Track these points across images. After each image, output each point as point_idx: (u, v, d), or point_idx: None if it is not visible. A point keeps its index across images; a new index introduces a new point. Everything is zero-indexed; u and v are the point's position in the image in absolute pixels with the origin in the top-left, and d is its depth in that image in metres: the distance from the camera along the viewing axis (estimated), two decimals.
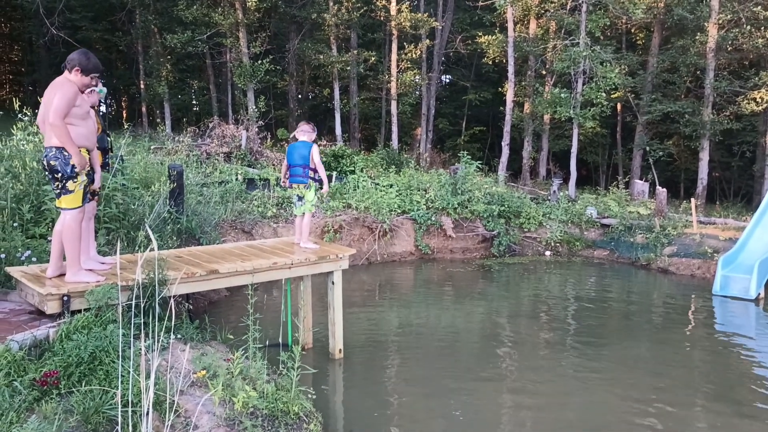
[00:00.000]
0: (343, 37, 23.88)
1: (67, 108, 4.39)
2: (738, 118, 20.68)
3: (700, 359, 7.06)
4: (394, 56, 23.66)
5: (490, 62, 24.91)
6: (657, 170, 22.09)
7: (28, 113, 7.80)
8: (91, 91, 5.19)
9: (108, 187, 6.77)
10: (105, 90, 5.48)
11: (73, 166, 4.48)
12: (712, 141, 20.68)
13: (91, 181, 4.88)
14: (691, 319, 8.71)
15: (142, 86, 25.16)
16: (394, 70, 23.55)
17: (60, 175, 4.48)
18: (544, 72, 23.62)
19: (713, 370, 6.60)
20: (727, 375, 6.35)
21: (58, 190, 4.54)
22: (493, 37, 22.94)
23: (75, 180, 4.51)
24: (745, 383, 6.09)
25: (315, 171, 6.40)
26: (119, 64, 30.10)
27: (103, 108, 5.66)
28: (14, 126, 7.76)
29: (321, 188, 6.57)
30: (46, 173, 4.59)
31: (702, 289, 10.05)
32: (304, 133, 6.43)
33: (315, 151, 6.34)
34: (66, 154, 4.44)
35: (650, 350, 7.16)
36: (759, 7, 19.22)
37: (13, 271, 4.97)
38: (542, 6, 21.76)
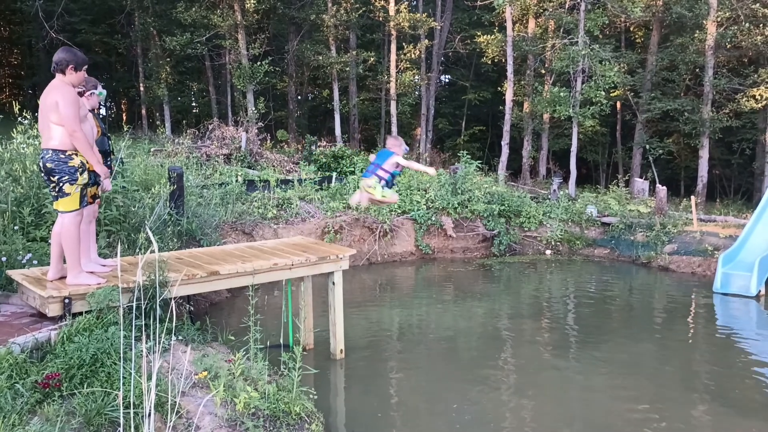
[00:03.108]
0: (342, 37, 23.89)
1: (76, 111, 4.41)
2: (737, 116, 20.67)
3: (701, 357, 7.07)
4: (393, 56, 23.67)
5: (489, 62, 24.91)
6: (657, 168, 22.08)
7: (28, 116, 7.80)
8: (91, 94, 5.21)
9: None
10: (104, 92, 5.49)
11: (74, 168, 4.49)
12: (712, 139, 20.68)
13: (93, 183, 4.89)
14: (692, 316, 8.72)
15: (141, 89, 25.19)
16: (393, 71, 23.55)
17: (56, 177, 4.48)
18: (543, 71, 23.62)
19: (714, 368, 6.61)
20: (728, 373, 6.35)
21: (55, 193, 4.56)
22: (492, 36, 22.94)
23: (72, 183, 4.51)
24: (747, 381, 6.09)
25: (386, 171, 6.16)
26: (119, 66, 30.12)
27: (102, 111, 5.66)
28: (14, 129, 7.77)
29: (390, 187, 6.49)
30: (43, 175, 4.61)
31: (703, 287, 10.05)
32: (392, 146, 6.32)
33: (395, 158, 6.14)
34: (62, 156, 4.45)
35: (651, 348, 7.16)
36: (757, 5, 19.21)
37: (15, 274, 4.98)
38: (541, 5, 21.77)
